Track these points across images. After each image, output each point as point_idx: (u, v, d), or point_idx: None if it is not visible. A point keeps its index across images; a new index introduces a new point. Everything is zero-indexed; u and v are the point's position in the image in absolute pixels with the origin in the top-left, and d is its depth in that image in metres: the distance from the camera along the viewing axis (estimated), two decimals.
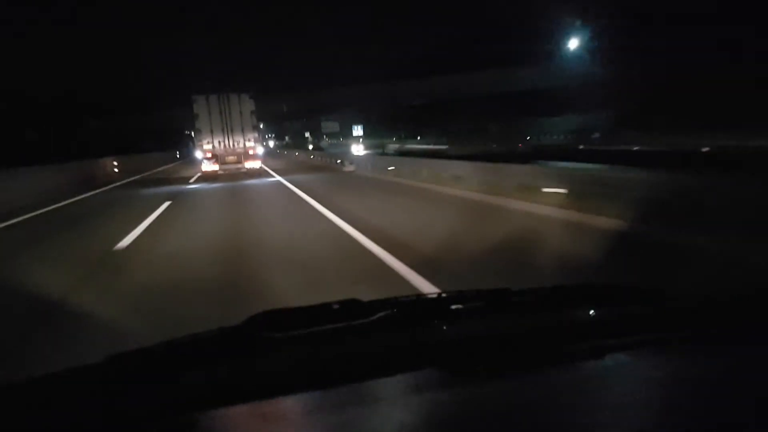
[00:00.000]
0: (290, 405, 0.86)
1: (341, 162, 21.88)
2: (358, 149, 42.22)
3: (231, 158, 19.84)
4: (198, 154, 20.89)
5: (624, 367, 0.97)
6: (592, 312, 1.22)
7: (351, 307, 1.10)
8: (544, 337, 1.07)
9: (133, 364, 0.94)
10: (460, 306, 1.20)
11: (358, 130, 73.48)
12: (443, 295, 1.27)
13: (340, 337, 1.03)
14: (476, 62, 40.19)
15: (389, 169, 15.79)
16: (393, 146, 48.67)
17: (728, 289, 2.36)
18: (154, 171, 27.60)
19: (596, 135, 34.53)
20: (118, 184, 19.13)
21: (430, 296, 1.29)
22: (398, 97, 44.22)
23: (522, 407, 0.82)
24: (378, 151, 39.00)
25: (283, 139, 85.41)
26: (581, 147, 29.03)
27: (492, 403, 0.83)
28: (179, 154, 45.45)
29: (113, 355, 0.94)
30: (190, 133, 31.20)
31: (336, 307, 1.09)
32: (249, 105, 19.98)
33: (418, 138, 61.47)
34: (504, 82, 40.34)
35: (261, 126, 26.87)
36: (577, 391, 0.87)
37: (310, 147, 56.68)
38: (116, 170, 25.06)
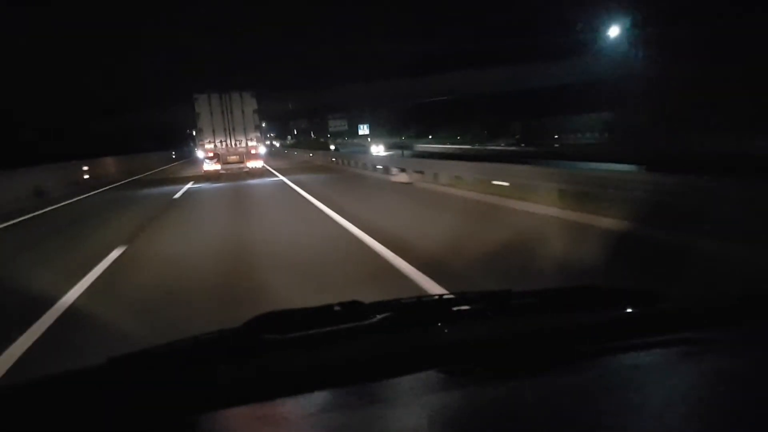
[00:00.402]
0: (291, 407, 0.85)
1: (383, 168, 16.34)
2: (378, 150, 37.89)
3: (233, 158, 19.32)
4: (199, 154, 20.59)
5: (625, 369, 0.95)
6: (593, 314, 1.18)
7: (352, 308, 1.06)
8: (546, 339, 1.05)
9: (134, 366, 0.93)
10: (461, 308, 1.18)
11: (364, 129, 69.35)
12: (445, 297, 1.27)
13: (341, 339, 1.01)
14: (494, 57, 36.61)
15: (497, 183, 9.65)
16: (420, 146, 42.42)
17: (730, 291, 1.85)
18: (142, 176, 23.10)
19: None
20: (80, 197, 14.60)
21: (431, 298, 1.28)
22: (410, 95, 41.16)
23: (523, 409, 0.81)
24: (397, 151, 34.41)
25: (286, 138, 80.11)
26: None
27: (493, 405, 0.82)
28: (175, 155, 42.87)
29: (114, 357, 0.92)
30: (191, 132, 30.92)
31: (337, 309, 1.05)
32: (251, 104, 19.48)
33: (430, 137, 56.39)
34: (522, 79, 36.95)
35: (263, 125, 25.15)
36: (579, 393, 0.86)
37: (332, 147, 48.14)
38: (86, 177, 20.42)
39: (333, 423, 0.79)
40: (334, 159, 24.17)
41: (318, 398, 0.85)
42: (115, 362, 0.92)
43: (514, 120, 48.31)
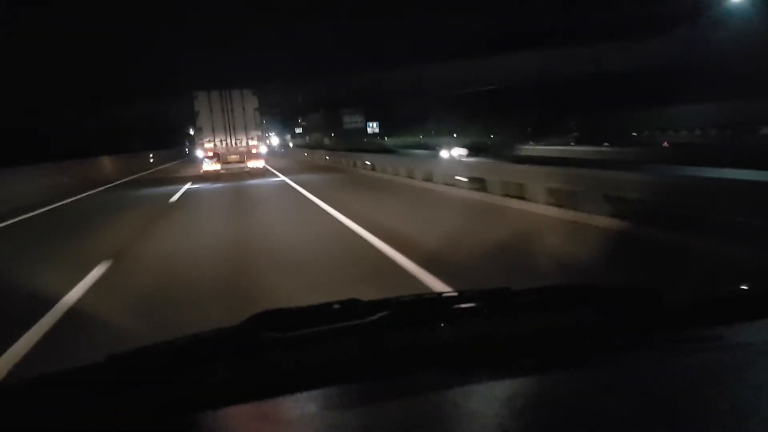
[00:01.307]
0: (290, 405, 0.87)
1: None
2: (457, 153, 28.08)
3: (233, 157, 19.79)
4: (199, 153, 21.12)
5: (626, 368, 0.98)
6: (592, 312, 1.22)
7: (351, 306, 1.10)
8: (546, 337, 1.08)
9: (133, 363, 0.96)
10: (461, 306, 1.22)
11: (373, 128, 68.36)
12: (444, 294, 1.32)
13: (339, 337, 1.04)
14: (538, 39, 31.24)
15: None
16: (536, 147, 31.31)
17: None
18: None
19: (765, 130, 26.31)
20: None
21: (430, 296, 1.41)
22: (431, 89, 38.84)
23: (522, 408, 0.83)
24: (478, 158, 20.96)
25: (287, 137, 77.35)
26: None
27: (493, 404, 0.84)
28: (152, 158, 36.13)
29: (113, 354, 0.95)
30: (187, 130, 29.81)
31: (336, 306, 1.09)
32: (252, 101, 19.73)
33: (454, 135, 52.16)
34: (573, 64, 32.54)
35: (264, 122, 24.90)
36: (579, 392, 0.89)
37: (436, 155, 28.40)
38: None
39: (332, 421, 0.82)
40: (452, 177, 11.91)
41: (317, 397, 0.88)
42: (114, 360, 0.95)
43: (559, 115, 41.39)
